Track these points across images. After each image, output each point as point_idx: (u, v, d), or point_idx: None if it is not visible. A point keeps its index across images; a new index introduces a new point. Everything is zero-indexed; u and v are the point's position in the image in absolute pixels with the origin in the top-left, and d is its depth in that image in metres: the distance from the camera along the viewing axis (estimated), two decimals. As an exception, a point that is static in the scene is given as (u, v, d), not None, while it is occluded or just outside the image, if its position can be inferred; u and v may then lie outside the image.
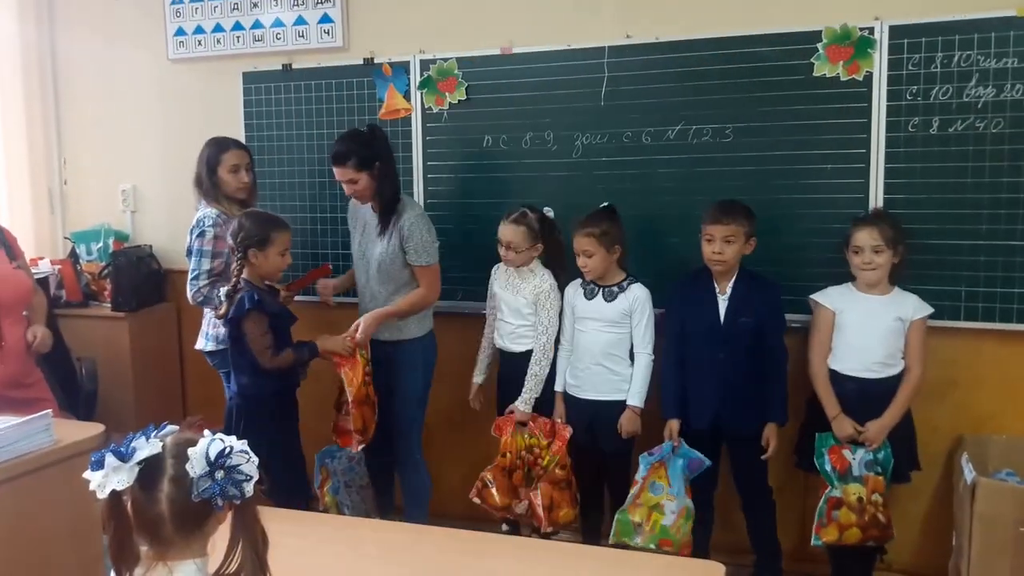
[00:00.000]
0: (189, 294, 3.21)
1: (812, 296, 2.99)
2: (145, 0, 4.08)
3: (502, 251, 3.16)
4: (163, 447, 1.33)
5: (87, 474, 1.30)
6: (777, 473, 3.10)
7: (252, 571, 1.34)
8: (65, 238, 4.35)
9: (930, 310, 2.86)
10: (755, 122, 3.14)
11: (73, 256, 4.22)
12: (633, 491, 2.98)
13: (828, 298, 2.95)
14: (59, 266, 4.12)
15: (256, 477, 1.33)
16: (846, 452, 2.82)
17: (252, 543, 1.34)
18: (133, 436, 1.33)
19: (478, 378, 3.34)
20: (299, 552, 1.94)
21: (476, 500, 3.14)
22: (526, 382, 3.13)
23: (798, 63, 3.06)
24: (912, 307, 2.86)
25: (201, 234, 3.18)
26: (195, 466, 1.29)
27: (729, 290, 2.97)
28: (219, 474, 1.29)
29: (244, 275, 2.90)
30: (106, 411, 3.83)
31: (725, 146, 3.19)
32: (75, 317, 4.03)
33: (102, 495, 1.29)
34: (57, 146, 4.38)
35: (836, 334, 2.93)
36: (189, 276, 3.19)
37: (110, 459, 1.29)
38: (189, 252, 3.20)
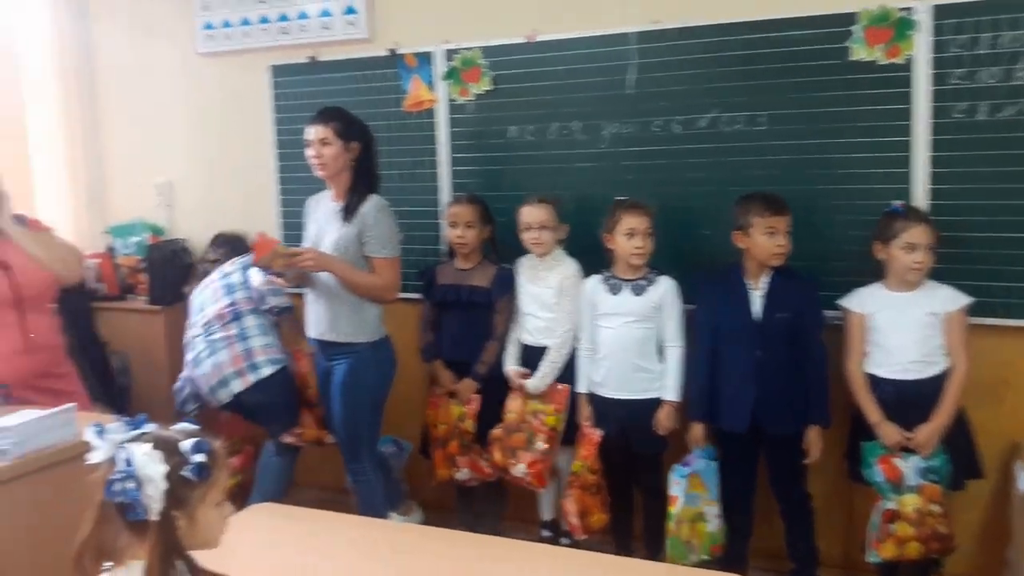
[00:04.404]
0: (263, 279, 3.24)
1: (840, 301, 2.87)
2: (174, -7, 4.11)
3: (531, 235, 3.12)
4: (133, 438, 1.29)
5: (87, 434, 1.29)
6: (819, 478, 2.98)
7: None
8: (103, 232, 4.39)
9: (966, 300, 2.72)
10: (789, 109, 3.02)
11: (110, 250, 4.27)
12: (673, 511, 2.87)
13: (857, 301, 2.83)
14: (97, 260, 4.18)
15: (162, 506, 1.26)
16: (897, 460, 2.68)
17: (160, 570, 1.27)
18: (126, 421, 1.31)
19: (512, 366, 3.21)
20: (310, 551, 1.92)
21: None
22: (543, 366, 3.10)
23: (834, 47, 2.92)
24: (946, 299, 2.73)
25: None
26: (119, 466, 1.25)
27: (764, 285, 2.86)
28: (128, 484, 1.24)
29: None
30: (140, 405, 3.88)
31: (758, 135, 3.07)
32: (113, 310, 4.10)
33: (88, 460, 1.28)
34: (94, 141, 4.43)
35: (869, 337, 2.80)
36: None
37: (90, 432, 1.29)
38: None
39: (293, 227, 3.80)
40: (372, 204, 3.00)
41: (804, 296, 2.86)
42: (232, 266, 3.29)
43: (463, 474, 3.23)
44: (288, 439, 3.27)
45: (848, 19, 2.90)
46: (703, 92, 3.13)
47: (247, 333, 3.21)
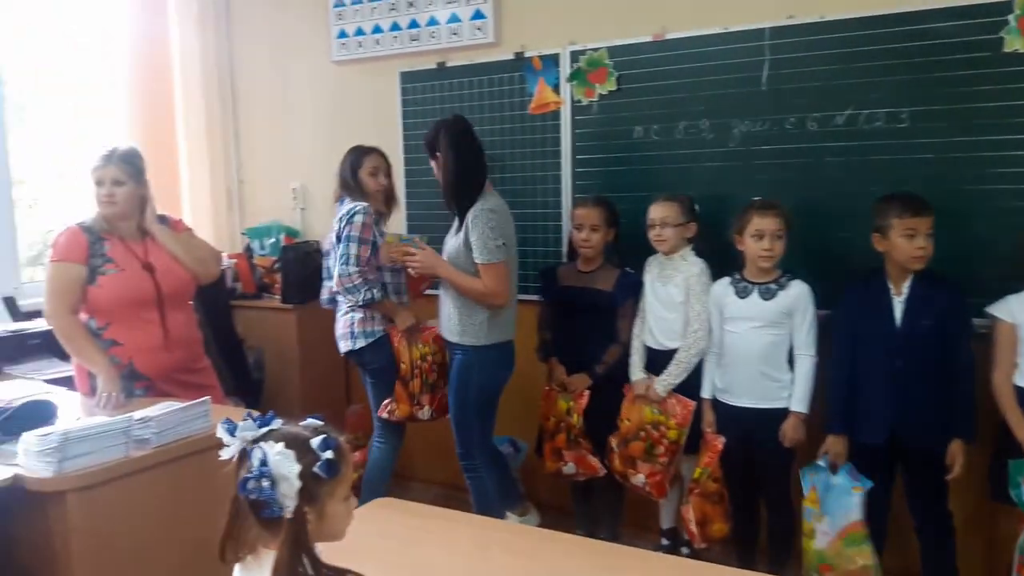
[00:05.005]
0: (336, 278, 3.20)
1: (988, 308, 2.67)
2: (310, 4, 4.26)
3: (655, 232, 3.06)
4: (263, 435, 1.31)
5: (219, 431, 1.32)
6: (959, 496, 2.79)
7: None
8: (241, 234, 4.62)
9: None
10: (935, 105, 2.85)
11: (248, 251, 4.47)
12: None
13: (1007, 309, 2.63)
14: (235, 260, 4.37)
15: (295, 504, 1.27)
16: (1047, 481, 2.48)
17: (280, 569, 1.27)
18: (248, 416, 1.33)
19: (639, 375, 3.15)
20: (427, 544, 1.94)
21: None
22: (672, 367, 3.02)
23: (984, 38, 2.74)
24: None
25: (351, 220, 3.20)
26: (253, 464, 1.26)
27: (906, 291, 2.70)
28: (264, 482, 1.25)
29: None
30: (273, 399, 4.04)
31: (900, 132, 2.91)
32: (249, 308, 4.26)
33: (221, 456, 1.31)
34: (235, 147, 4.67)
35: (1020, 348, 2.59)
36: (338, 261, 3.20)
37: (220, 428, 1.31)
38: (338, 239, 3.22)
39: (417, 229, 3.89)
40: (474, 209, 3.00)
41: (949, 302, 2.67)
42: (333, 233, 3.34)
43: (569, 468, 3.22)
44: (383, 414, 3.34)
45: (1002, 8, 2.71)
46: (840, 88, 2.99)
47: (354, 306, 3.31)
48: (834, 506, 2.73)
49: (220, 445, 1.32)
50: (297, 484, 1.26)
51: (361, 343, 3.30)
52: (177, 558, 2.25)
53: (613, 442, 3.12)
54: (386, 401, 3.31)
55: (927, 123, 2.87)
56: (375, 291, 3.20)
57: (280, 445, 1.28)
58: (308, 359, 4.15)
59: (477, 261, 2.99)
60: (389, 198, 3.45)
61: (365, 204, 3.25)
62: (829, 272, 2.94)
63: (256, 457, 1.27)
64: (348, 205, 3.27)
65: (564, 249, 3.53)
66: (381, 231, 3.33)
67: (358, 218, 3.19)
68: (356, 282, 3.17)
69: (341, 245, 3.19)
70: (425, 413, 3.28)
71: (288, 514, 1.27)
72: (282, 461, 1.26)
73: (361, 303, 3.21)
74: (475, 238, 2.98)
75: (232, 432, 1.30)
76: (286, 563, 1.27)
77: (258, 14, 4.50)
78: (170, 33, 4.38)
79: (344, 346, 3.36)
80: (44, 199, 4.24)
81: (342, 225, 3.22)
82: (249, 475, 1.26)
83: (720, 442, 2.90)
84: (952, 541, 2.78)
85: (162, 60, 4.38)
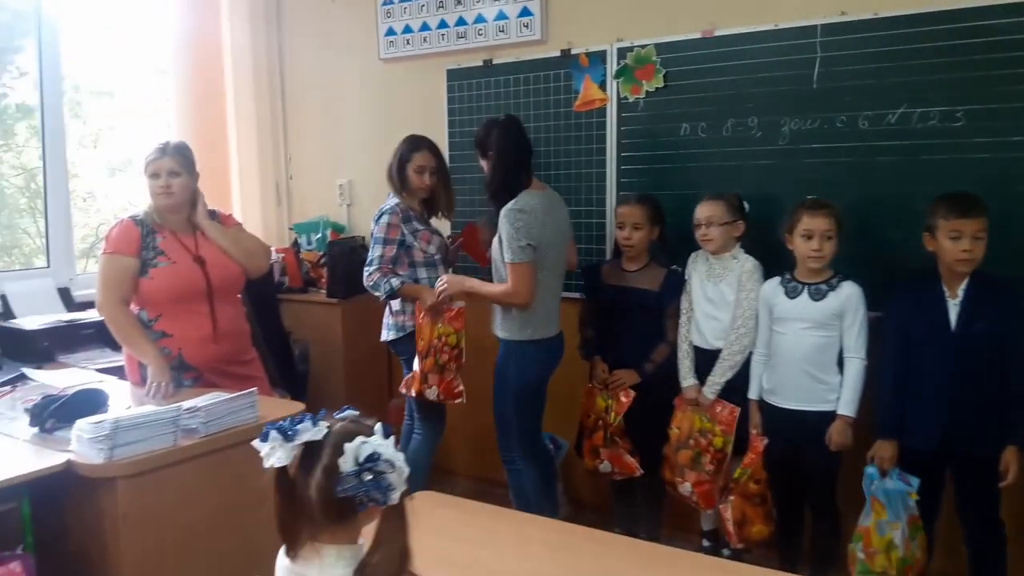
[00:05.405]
0: (364, 278, 3.31)
1: None
2: (359, 2, 4.30)
3: (700, 231, 3.03)
4: (327, 434, 1.31)
5: (256, 443, 1.32)
6: (1013, 506, 2.73)
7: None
8: (289, 229, 4.68)
9: None
10: (992, 104, 2.77)
11: (295, 246, 4.53)
12: (857, 544, 2.70)
13: None
14: (283, 254, 4.43)
15: (404, 488, 1.30)
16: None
17: (391, 552, 1.31)
18: (304, 418, 1.33)
19: (689, 381, 3.10)
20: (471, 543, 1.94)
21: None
22: (717, 366, 2.99)
23: (1047, 34, 2.66)
24: None
25: (378, 220, 3.30)
26: (345, 462, 1.27)
27: (961, 293, 2.62)
28: (366, 476, 1.26)
29: None
30: (317, 391, 4.09)
31: (955, 131, 2.84)
32: (295, 302, 4.32)
33: (266, 465, 1.30)
34: (284, 144, 4.73)
35: None
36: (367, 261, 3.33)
37: (274, 435, 1.31)
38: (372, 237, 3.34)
39: (460, 227, 3.90)
40: (504, 209, 2.99)
41: (1006, 306, 2.60)
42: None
43: (605, 466, 3.21)
44: (401, 388, 3.40)
45: (1065, 2, 2.63)
46: (893, 86, 2.93)
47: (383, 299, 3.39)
48: (899, 508, 2.67)
49: (264, 459, 1.31)
50: (407, 470, 1.30)
51: (392, 335, 3.41)
52: (222, 544, 2.29)
53: (665, 451, 3.11)
54: (406, 376, 3.35)
55: (984, 122, 2.80)
56: (392, 281, 3.25)
57: (376, 437, 1.30)
58: (352, 352, 4.20)
59: (506, 260, 2.98)
60: (435, 197, 3.43)
61: (394, 203, 3.33)
62: (881, 273, 2.89)
63: (355, 453, 1.28)
64: (386, 202, 3.37)
65: (608, 246, 3.52)
66: (416, 227, 3.34)
67: (384, 219, 3.30)
68: (375, 279, 3.26)
69: (371, 245, 3.31)
70: (432, 393, 3.25)
71: (396, 501, 1.30)
72: (392, 452, 1.29)
73: (384, 296, 3.28)
74: (503, 238, 2.98)
75: (292, 436, 1.30)
76: (397, 546, 1.32)
77: (308, 12, 4.55)
78: (222, 30, 4.45)
79: (382, 335, 3.47)
80: (98, 193, 4.34)
81: (373, 224, 3.33)
82: (348, 471, 1.27)
83: (762, 442, 2.86)
84: (1004, 551, 2.71)
85: (214, 57, 4.45)
